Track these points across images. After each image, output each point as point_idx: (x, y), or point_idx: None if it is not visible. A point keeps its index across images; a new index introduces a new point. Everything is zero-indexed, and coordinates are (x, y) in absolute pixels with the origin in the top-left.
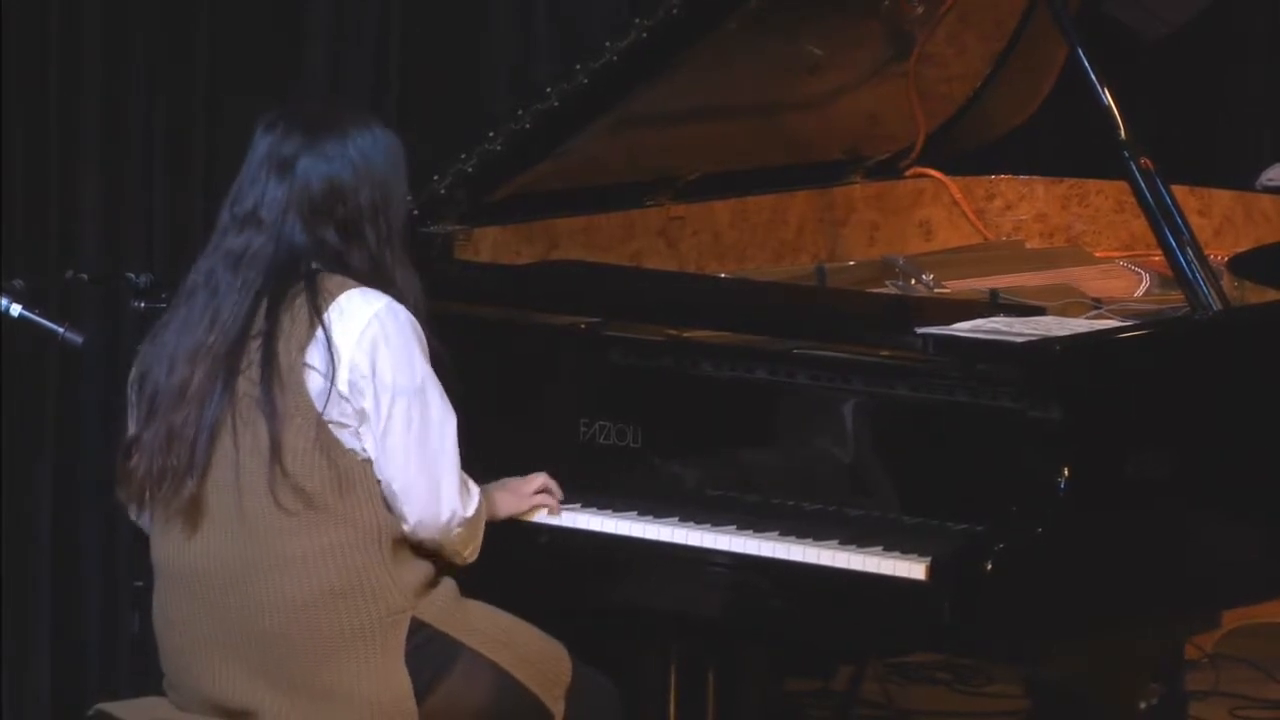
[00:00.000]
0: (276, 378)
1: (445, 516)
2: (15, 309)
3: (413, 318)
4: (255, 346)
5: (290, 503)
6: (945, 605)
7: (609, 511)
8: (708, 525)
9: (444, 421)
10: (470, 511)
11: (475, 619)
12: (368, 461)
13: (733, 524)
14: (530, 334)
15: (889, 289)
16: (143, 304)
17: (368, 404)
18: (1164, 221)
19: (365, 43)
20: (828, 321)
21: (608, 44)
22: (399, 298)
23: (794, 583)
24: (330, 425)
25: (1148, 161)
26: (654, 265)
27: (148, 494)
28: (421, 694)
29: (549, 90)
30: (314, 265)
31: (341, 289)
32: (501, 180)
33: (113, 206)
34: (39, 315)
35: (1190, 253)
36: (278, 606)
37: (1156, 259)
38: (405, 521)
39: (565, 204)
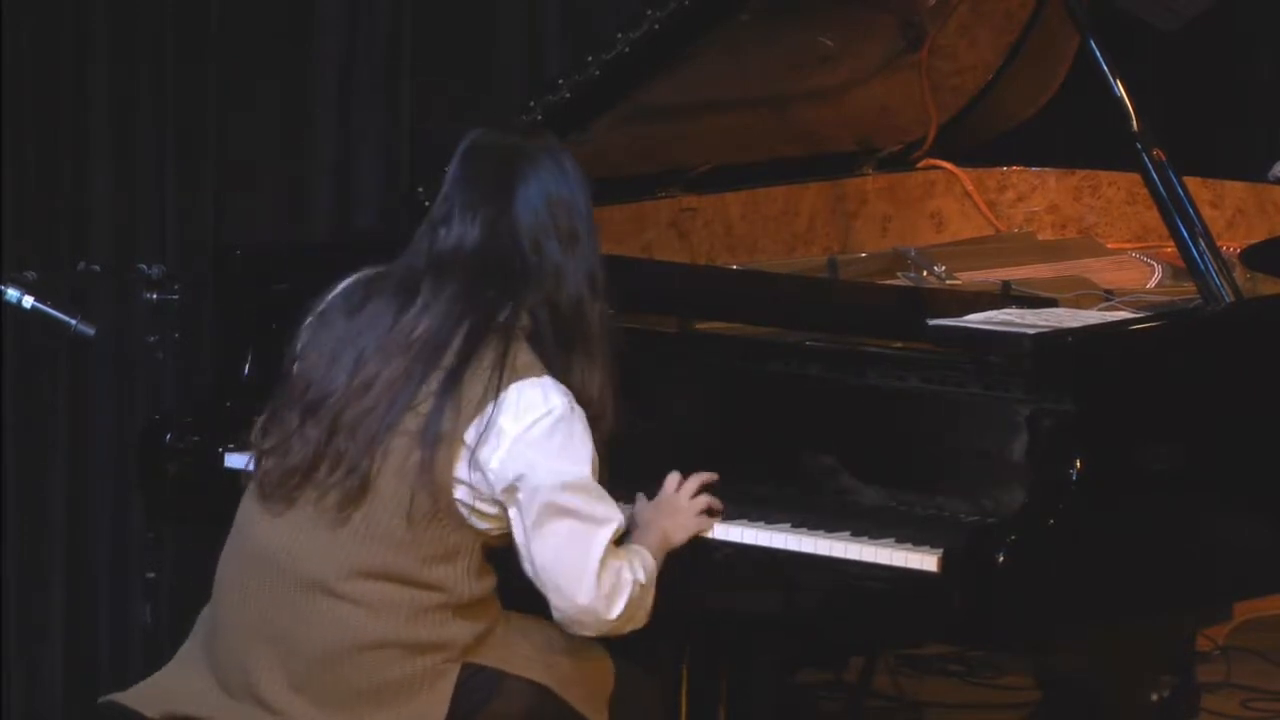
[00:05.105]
0: (438, 437)
1: (580, 616)
2: (28, 300)
3: (584, 417)
4: (435, 381)
5: (390, 568)
6: (957, 596)
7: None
8: (718, 517)
9: (598, 524)
10: (613, 615)
11: (519, 643)
12: (481, 534)
13: (744, 516)
14: None
15: (901, 281)
16: (155, 295)
17: (520, 497)
18: (1176, 213)
19: (377, 38)
20: (839, 313)
21: (619, 35)
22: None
23: (806, 575)
24: (460, 504)
25: (1160, 153)
26: (665, 257)
27: (288, 476)
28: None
29: (560, 81)
30: (513, 318)
31: (528, 373)
32: None
33: (124, 197)
34: (51, 307)
35: (1202, 244)
36: (337, 638)
37: (1169, 250)
38: (555, 612)
39: None
